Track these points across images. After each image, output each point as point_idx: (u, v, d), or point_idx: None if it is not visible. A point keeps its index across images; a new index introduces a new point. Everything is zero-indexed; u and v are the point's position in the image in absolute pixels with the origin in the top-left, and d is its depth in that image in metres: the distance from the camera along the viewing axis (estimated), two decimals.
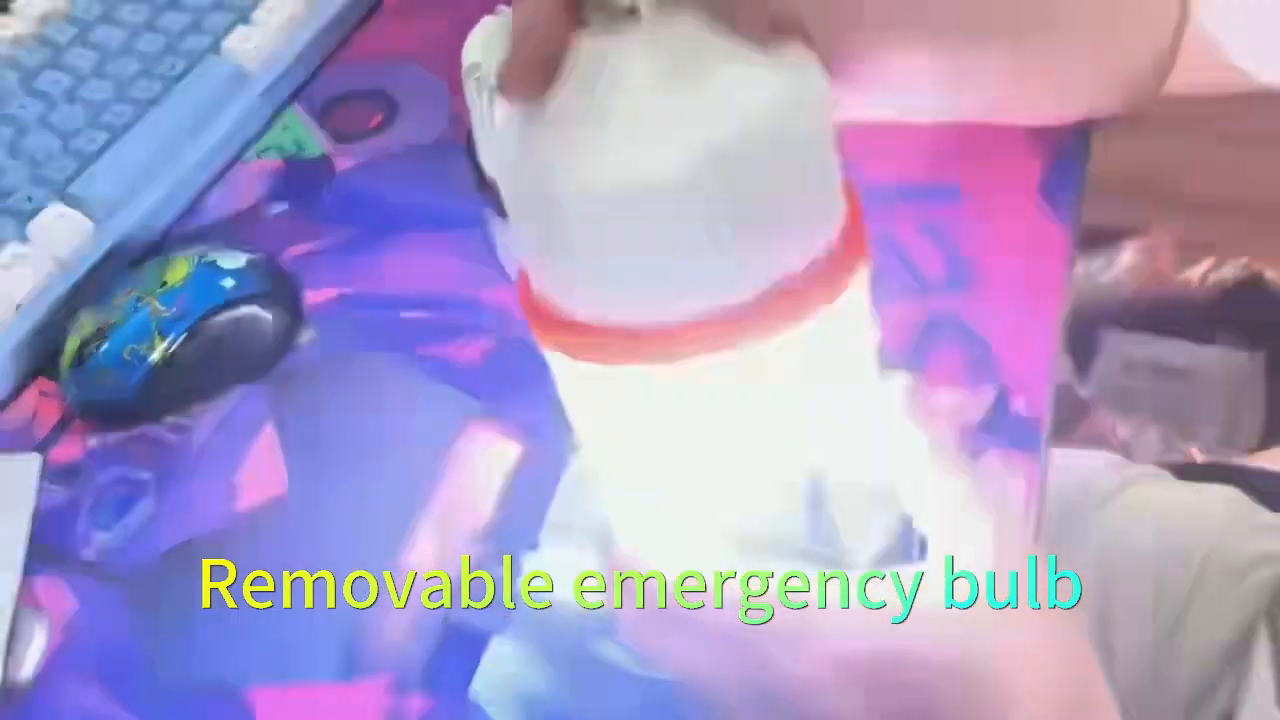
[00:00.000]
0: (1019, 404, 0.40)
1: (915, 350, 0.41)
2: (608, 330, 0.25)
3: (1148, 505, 0.59)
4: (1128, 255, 0.99)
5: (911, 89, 0.37)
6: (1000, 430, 0.39)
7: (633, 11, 0.25)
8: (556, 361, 0.27)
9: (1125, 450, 0.87)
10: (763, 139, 0.24)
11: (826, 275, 0.25)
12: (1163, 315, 0.98)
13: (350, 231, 0.47)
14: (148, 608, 0.36)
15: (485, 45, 0.38)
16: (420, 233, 0.47)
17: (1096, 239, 0.99)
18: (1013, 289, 0.43)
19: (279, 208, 0.48)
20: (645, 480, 0.29)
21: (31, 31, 0.51)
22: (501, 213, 0.40)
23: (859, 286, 0.27)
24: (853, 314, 0.27)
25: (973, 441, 0.38)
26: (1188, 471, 0.65)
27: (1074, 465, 0.62)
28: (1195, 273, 0.98)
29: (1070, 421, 0.88)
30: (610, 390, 0.27)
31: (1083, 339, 0.97)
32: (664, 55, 0.24)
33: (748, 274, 0.25)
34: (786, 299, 0.25)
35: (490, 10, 0.41)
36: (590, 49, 0.25)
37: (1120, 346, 0.97)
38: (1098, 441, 0.90)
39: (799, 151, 0.25)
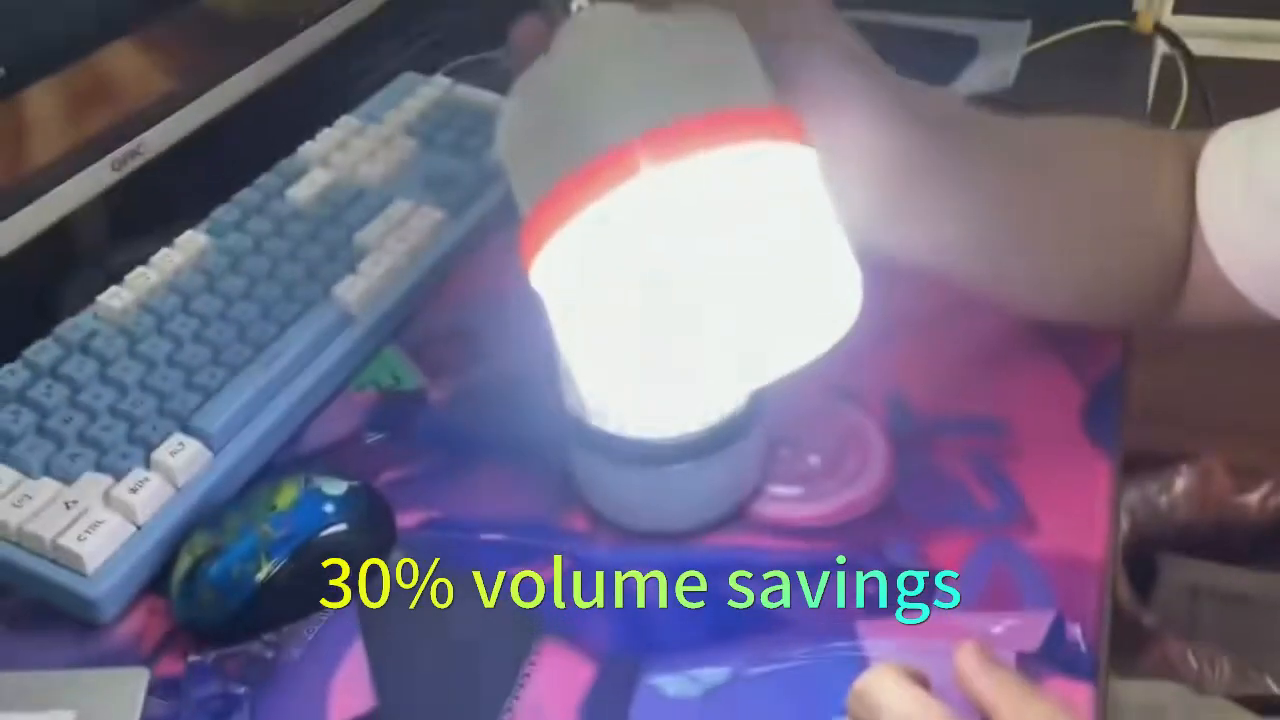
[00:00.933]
0: (1075, 631, 0.41)
1: (971, 577, 0.43)
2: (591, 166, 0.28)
3: None
4: (1183, 480, 1.00)
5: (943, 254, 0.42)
6: (1057, 658, 0.40)
7: None
8: (555, 288, 0.32)
9: (1197, 681, 0.85)
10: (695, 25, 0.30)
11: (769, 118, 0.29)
12: (1225, 540, 0.97)
13: (440, 459, 0.51)
14: None
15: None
16: (504, 460, 0.51)
17: (1150, 464, 1.01)
18: (1062, 518, 0.45)
19: (375, 436, 0.53)
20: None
21: (166, 281, 0.58)
22: (581, 442, 0.44)
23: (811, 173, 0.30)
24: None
25: (1031, 669, 0.40)
26: (1265, 705, 0.63)
27: (1139, 697, 0.61)
28: (1253, 497, 0.98)
29: (1135, 650, 0.87)
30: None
31: (1143, 564, 0.96)
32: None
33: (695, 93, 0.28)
34: (730, 119, 0.28)
35: None
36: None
37: (1182, 572, 0.96)
38: (1167, 671, 0.88)
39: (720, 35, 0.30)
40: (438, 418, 0.53)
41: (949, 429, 0.50)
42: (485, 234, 0.64)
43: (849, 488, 0.47)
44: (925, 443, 0.49)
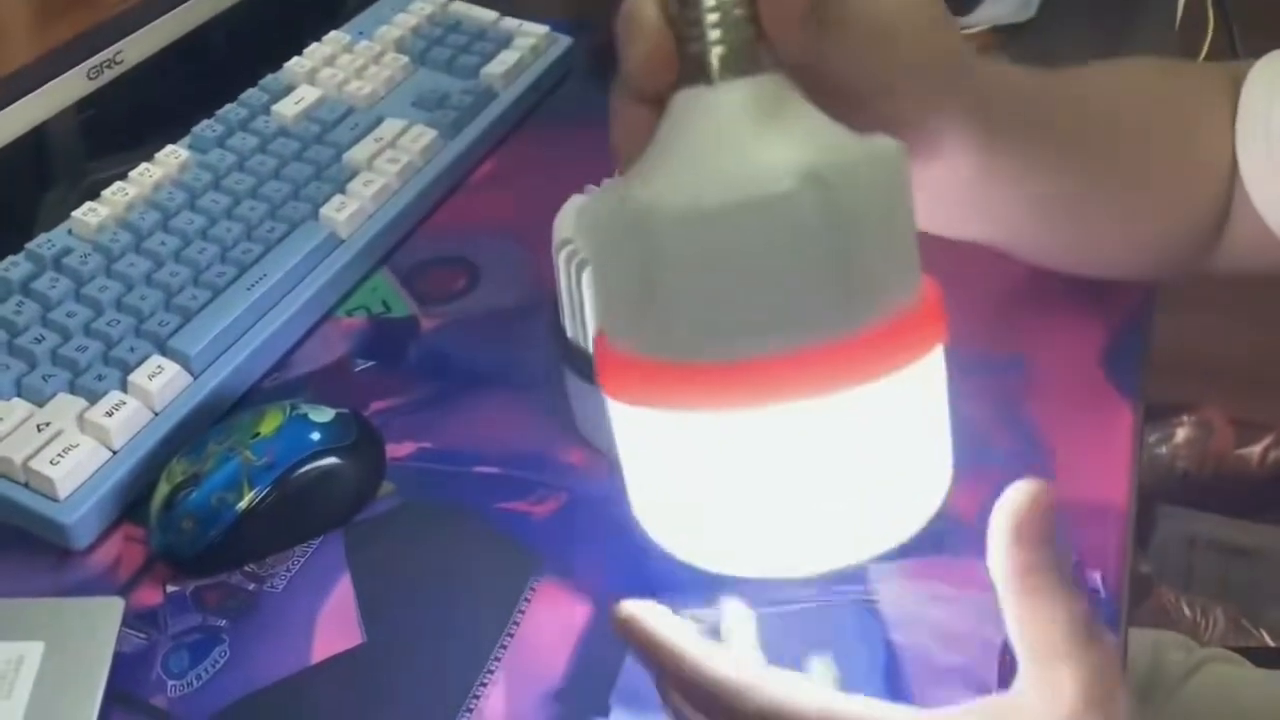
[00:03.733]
0: (1095, 578, 0.39)
1: (987, 521, 0.41)
2: (700, 370, 0.24)
3: (1225, 690, 0.57)
4: (1184, 431, 0.99)
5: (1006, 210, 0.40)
6: None
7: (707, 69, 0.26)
8: (628, 419, 0.27)
9: (1191, 630, 0.85)
10: (855, 174, 0.25)
11: (912, 331, 0.25)
12: (1224, 492, 0.96)
13: (432, 389, 0.49)
14: None
15: (576, 222, 0.41)
16: (498, 392, 0.49)
17: (1151, 414, 0.99)
18: (1083, 463, 0.43)
19: (364, 364, 0.50)
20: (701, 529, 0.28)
21: (145, 196, 0.55)
22: (582, 376, 0.42)
23: (938, 363, 0.27)
24: (934, 387, 0.27)
25: None
26: (1260, 656, 0.63)
27: (1144, 644, 0.60)
28: (1255, 450, 0.97)
29: (1133, 598, 0.86)
30: (680, 439, 0.26)
31: (1141, 514, 0.95)
32: (751, 106, 0.26)
33: (837, 307, 0.25)
34: (876, 343, 0.25)
35: (577, 188, 0.44)
36: (681, 105, 0.27)
37: (1180, 523, 0.95)
38: (1161, 621, 0.87)
39: (886, 196, 0.26)
40: (429, 346, 0.51)
41: (968, 368, 0.48)
42: (479, 156, 0.62)
43: None
44: None
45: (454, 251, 0.56)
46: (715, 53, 0.27)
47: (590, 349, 0.41)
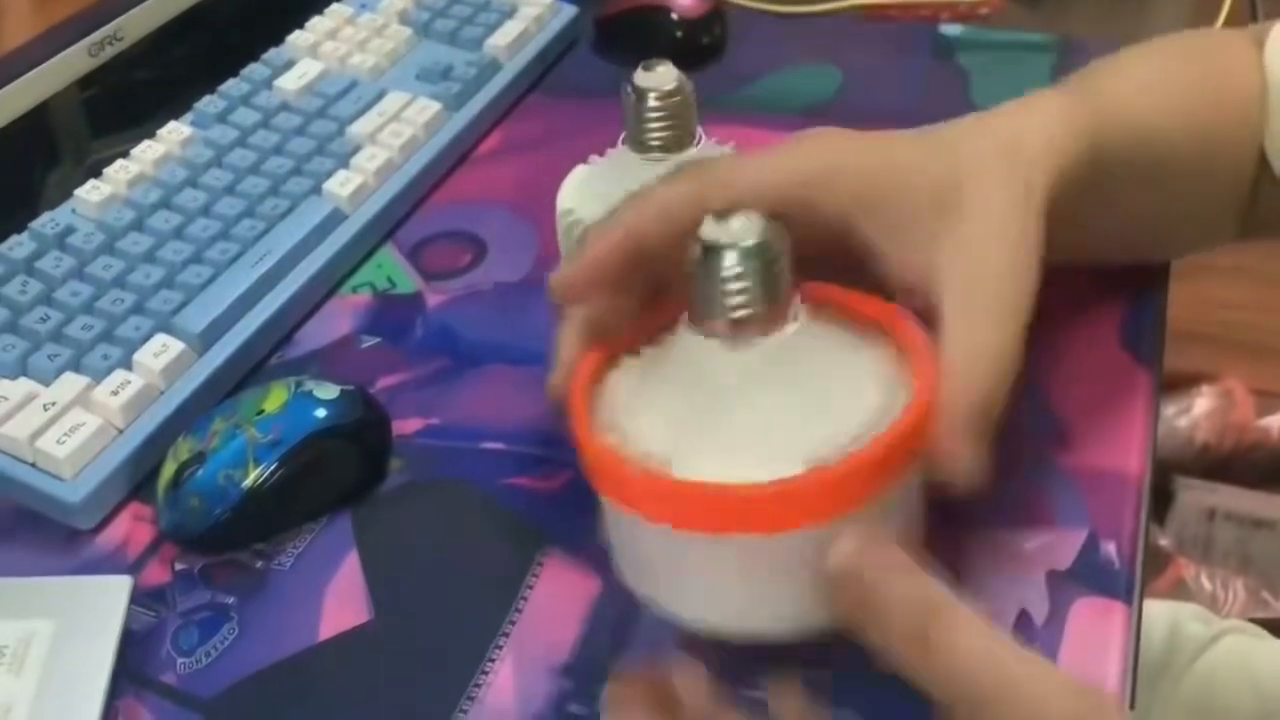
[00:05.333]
0: (1109, 549, 0.39)
1: (1000, 491, 0.41)
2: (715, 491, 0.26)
3: (1244, 661, 0.57)
4: (1203, 401, 0.98)
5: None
6: (1090, 577, 0.38)
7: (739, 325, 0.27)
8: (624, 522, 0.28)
9: (1211, 603, 0.84)
10: (859, 441, 0.26)
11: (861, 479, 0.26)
12: (1243, 464, 0.95)
13: (438, 365, 0.49)
14: None
15: (578, 192, 0.40)
16: (505, 367, 0.48)
17: (1171, 384, 0.98)
18: (1097, 431, 0.42)
19: (370, 340, 0.50)
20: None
21: (148, 173, 0.54)
22: None
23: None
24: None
25: (1064, 589, 0.37)
26: (1277, 629, 0.62)
27: (1162, 616, 0.60)
28: (1274, 421, 0.96)
29: (1151, 570, 0.85)
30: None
31: (1160, 486, 0.95)
32: (775, 365, 0.27)
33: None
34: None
35: (581, 159, 0.43)
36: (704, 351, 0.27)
37: (1199, 495, 0.95)
38: (1180, 593, 0.86)
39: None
40: (435, 322, 0.51)
41: None
42: (484, 129, 0.61)
43: None
44: None
45: (459, 226, 0.56)
46: (738, 315, 0.26)
47: None
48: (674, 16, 0.64)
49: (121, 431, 0.44)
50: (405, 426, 0.46)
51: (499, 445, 0.45)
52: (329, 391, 0.43)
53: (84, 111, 0.60)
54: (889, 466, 0.26)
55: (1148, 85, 0.40)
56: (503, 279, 0.52)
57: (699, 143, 0.38)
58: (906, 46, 0.66)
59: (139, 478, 0.44)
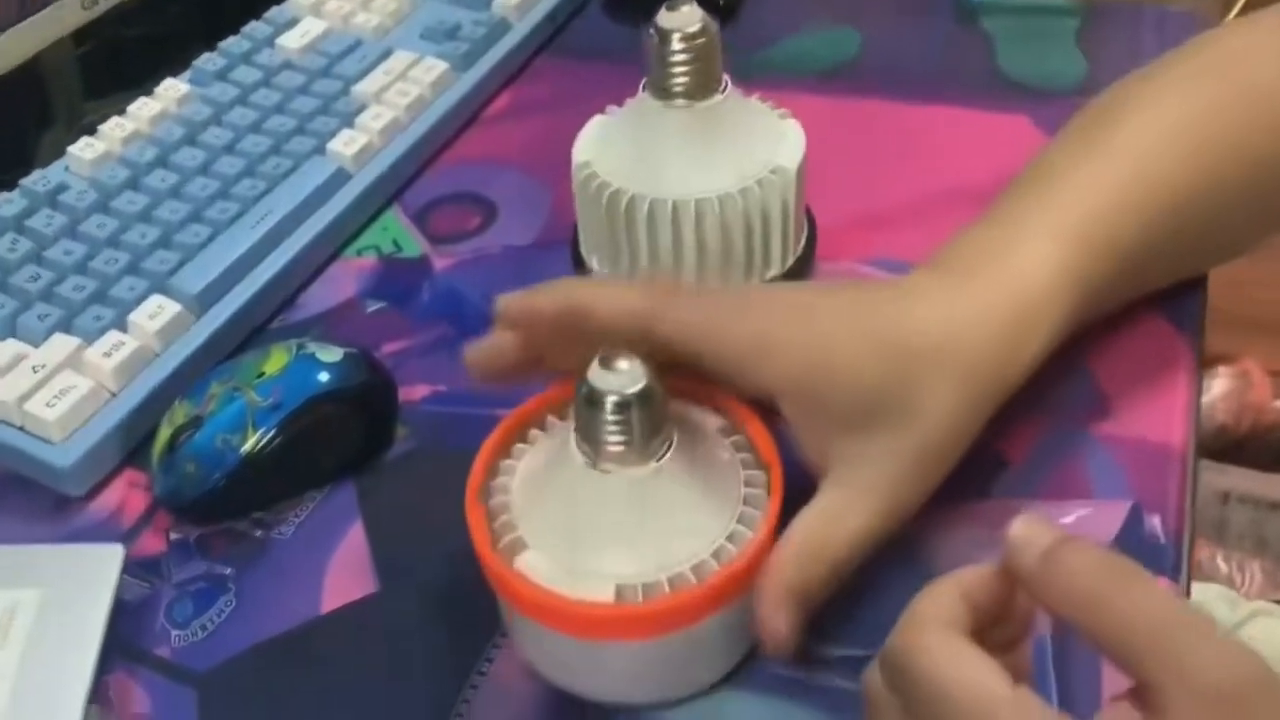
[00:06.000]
0: (1154, 523, 0.37)
1: (1039, 464, 0.39)
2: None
3: (1273, 643, 0.55)
4: (1219, 383, 0.96)
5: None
6: (1133, 552, 0.36)
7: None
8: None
9: (1227, 584, 0.82)
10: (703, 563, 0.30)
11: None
12: (1260, 445, 0.94)
13: (446, 329, 0.47)
14: (222, 712, 0.34)
15: (596, 143, 0.38)
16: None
17: None
18: (1140, 402, 0.40)
19: (375, 305, 0.48)
20: None
21: (144, 132, 0.52)
22: None
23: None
24: None
25: None
26: None
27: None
28: None
29: None
30: None
31: None
32: (643, 491, 0.30)
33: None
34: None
35: (599, 110, 0.41)
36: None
37: (1215, 477, 0.93)
38: (1196, 576, 0.85)
39: None
40: (443, 286, 0.49)
41: None
42: (493, 90, 0.59)
43: None
44: None
45: (467, 188, 0.53)
46: (613, 452, 0.30)
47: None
48: None
49: (114, 395, 0.42)
50: (412, 393, 0.44)
51: (507, 412, 0.43)
52: (332, 354, 0.41)
53: (77, 67, 0.58)
54: (727, 593, 0.30)
55: (1174, 132, 0.37)
56: (512, 242, 0.50)
57: (724, 90, 0.36)
58: (927, 9, 0.64)
59: (133, 443, 0.42)
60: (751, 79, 0.59)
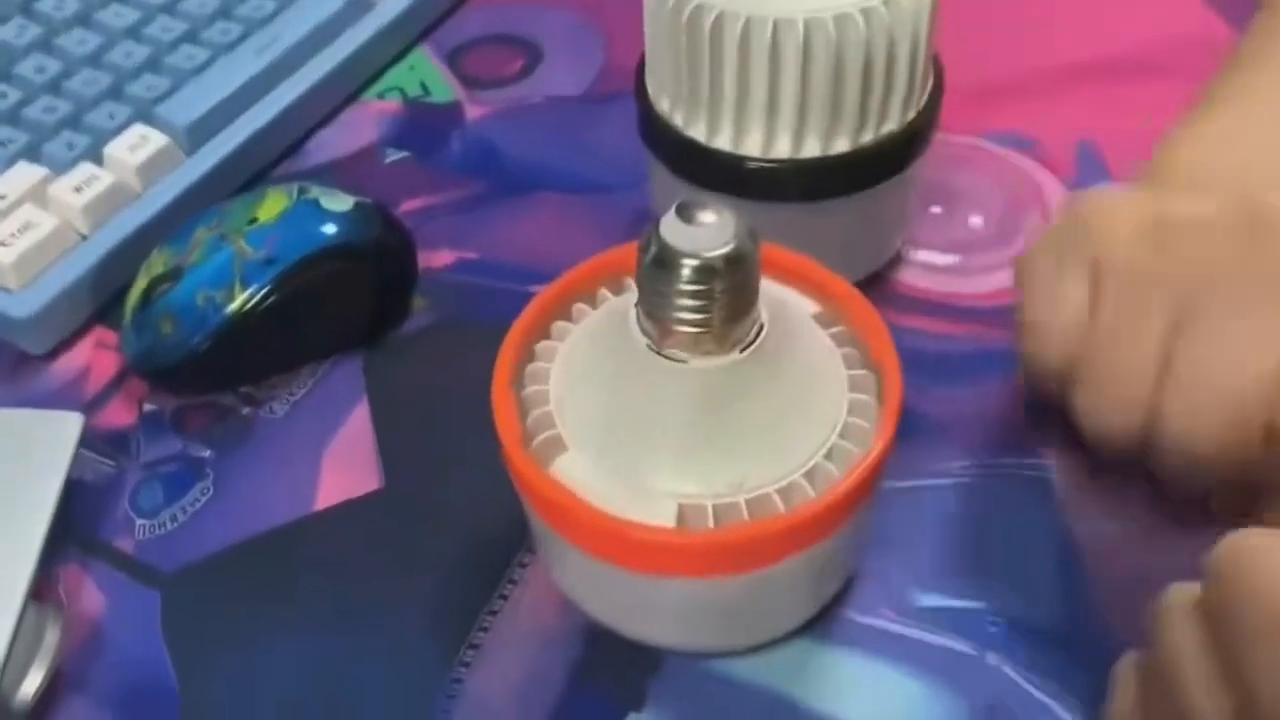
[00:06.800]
0: None
1: None
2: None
3: None
4: None
5: None
6: None
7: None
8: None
9: None
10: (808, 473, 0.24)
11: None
12: None
13: (477, 188, 0.39)
14: (188, 620, 0.29)
15: None
16: (558, 194, 0.39)
17: None
18: None
19: (397, 155, 0.41)
20: None
21: None
22: (672, 166, 0.32)
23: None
24: None
25: None
26: None
27: None
28: None
29: None
30: None
31: None
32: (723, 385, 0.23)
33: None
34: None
35: None
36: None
37: None
38: None
39: None
40: (476, 138, 0.41)
41: None
42: None
43: None
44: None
45: (510, 26, 0.46)
46: (687, 332, 0.23)
47: (687, 129, 0.31)
48: None
49: (85, 238, 0.36)
50: (434, 259, 0.37)
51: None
52: (340, 202, 0.34)
53: None
54: (821, 526, 0.23)
55: None
56: (558, 92, 0.43)
57: None
58: None
59: (105, 296, 0.36)
60: None
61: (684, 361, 0.23)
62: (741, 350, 0.23)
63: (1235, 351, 0.23)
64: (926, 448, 0.31)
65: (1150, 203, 0.25)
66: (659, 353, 0.23)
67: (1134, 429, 0.25)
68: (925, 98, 0.31)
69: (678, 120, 0.31)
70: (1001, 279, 0.35)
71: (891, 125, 0.30)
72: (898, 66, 0.29)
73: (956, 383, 0.32)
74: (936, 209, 0.37)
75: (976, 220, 0.37)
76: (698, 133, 0.31)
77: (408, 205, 0.39)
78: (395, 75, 0.44)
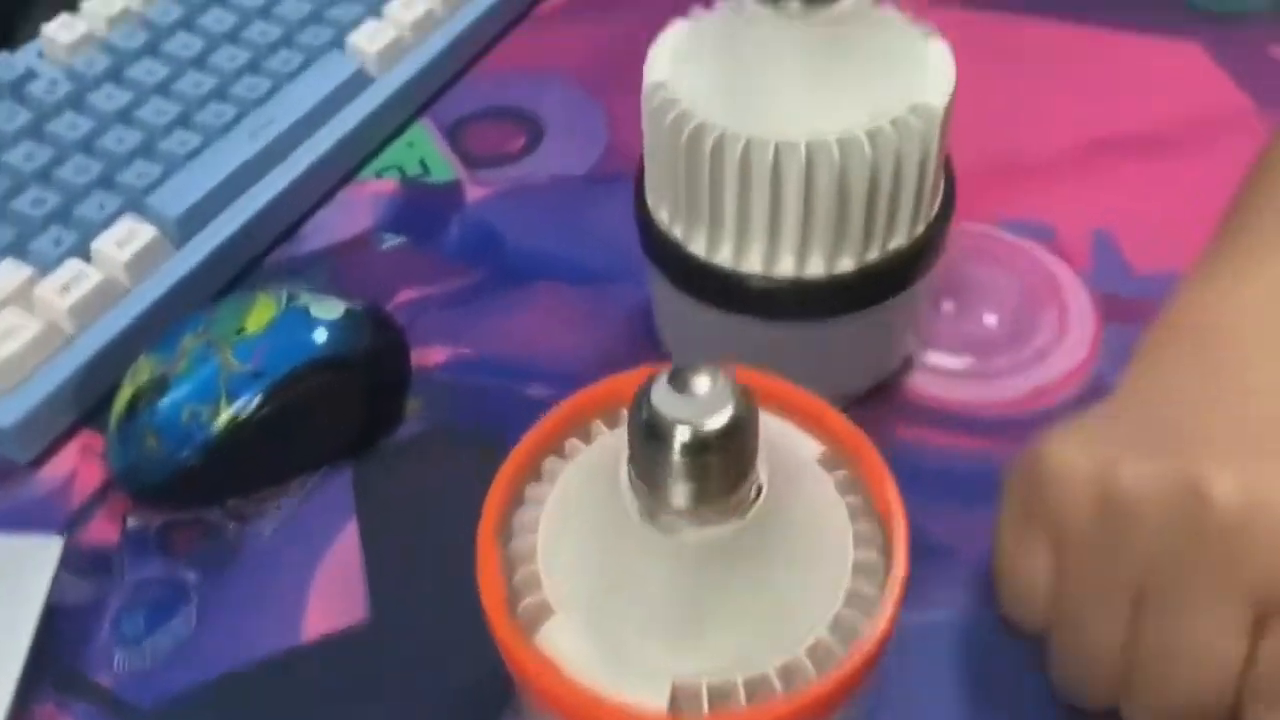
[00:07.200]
0: None
1: None
2: None
3: None
4: None
5: None
6: None
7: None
8: None
9: None
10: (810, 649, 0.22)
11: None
12: None
13: (475, 276, 0.38)
14: None
15: (676, 57, 0.29)
16: (560, 284, 0.38)
17: None
18: None
19: (394, 240, 0.40)
20: None
21: (134, 10, 0.44)
22: (672, 279, 0.31)
23: None
24: None
25: None
26: None
27: None
28: None
29: None
30: None
31: None
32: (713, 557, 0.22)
33: None
34: None
35: (681, 12, 0.32)
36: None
37: None
38: None
39: None
40: (475, 222, 0.40)
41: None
42: None
43: (1038, 364, 0.34)
44: (1147, 303, 0.36)
45: (513, 101, 0.45)
46: (680, 507, 0.21)
47: (687, 243, 0.30)
48: None
49: (72, 339, 0.35)
50: (428, 356, 0.36)
51: (545, 390, 0.35)
52: (330, 309, 0.33)
53: None
54: (823, 709, 0.22)
55: None
56: (562, 171, 0.42)
57: None
58: None
59: (91, 400, 0.35)
60: None
61: (678, 533, 0.22)
62: (740, 518, 0.22)
63: (1196, 641, 0.23)
64: (933, 572, 0.30)
65: (1103, 466, 0.24)
66: (652, 521, 0.22)
67: (1103, 699, 0.25)
68: (936, 208, 0.30)
69: (677, 233, 0.30)
70: (1017, 386, 0.34)
71: (900, 241, 0.29)
72: (905, 185, 0.27)
73: (966, 501, 0.31)
74: (949, 305, 0.36)
75: (991, 319, 0.35)
76: (698, 248, 0.29)
77: (403, 296, 0.38)
78: (394, 152, 0.43)
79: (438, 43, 0.45)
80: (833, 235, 0.28)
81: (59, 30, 0.43)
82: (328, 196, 0.41)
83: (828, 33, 0.26)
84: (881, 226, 0.28)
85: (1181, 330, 0.26)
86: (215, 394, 0.31)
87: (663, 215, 0.30)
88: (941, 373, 0.34)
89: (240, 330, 0.32)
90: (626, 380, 0.24)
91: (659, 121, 0.28)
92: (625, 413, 0.26)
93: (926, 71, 0.27)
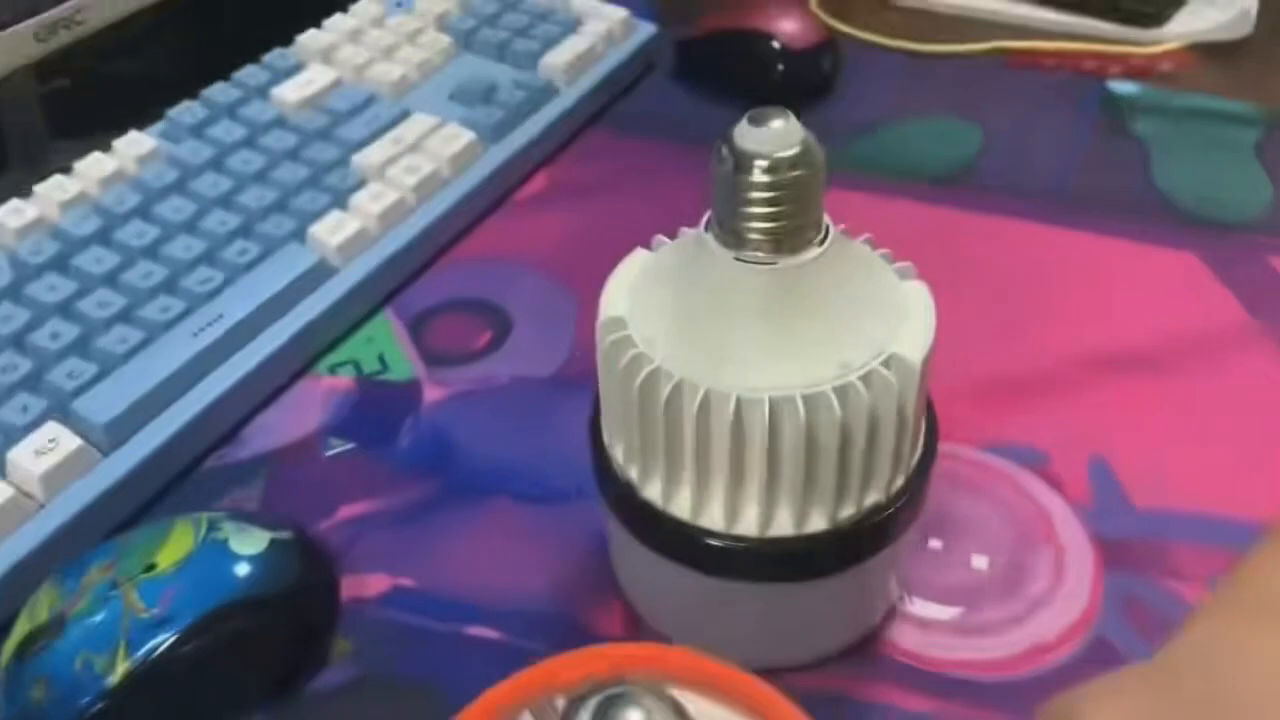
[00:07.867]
0: None
1: None
2: None
3: None
4: None
5: None
6: None
7: None
8: None
9: None
10: None
11: None
12: None
13: (425, 490, 0.36)
14: None
15: (634, 293, 0.27)
16: (514, 501, 0.35)
17: None
18: None
19: (341, 447, 0.37)
20: None
21: (91, 194, 0.42)
22: (628, 526, 0.28)
23: None
24: None
25: None
26: None
27: None
28: None
29: None
30: None
31: None
32: None
33: None
34: None
35: (651, 219, 0.30)
36: None
37: None
38: None
39: None
40: (430, 427, 0.38)
41: (1184, 529, 0.33)
42: (527, 170, 0.48)
43: (1033, 615, 0.31)
44: (1150, 545, 0.33)
45: (480, 293, 0.43)
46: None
47: (642, 488, 0.27)
48: (775, 46, 0.51)
49: None
50: (365, 586, 0.33)
51: (490, 631, 0.31)
52: (253, 542, 0.30)
53: (22, 111, 0.48)
54: None
55: None
56: (525, 372, 0.39)
57: (825, 240, 0.24)
58: (1066, 104, 0.52)
59: None
60: (844, 176, 0.48)
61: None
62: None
63: None
64: None
65: None
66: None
67: None
68: (916, 458, 0.27)
69: (632, 474, 0.27)
70: (1008, 643, 0.30)
71: (877, 496, 0.26)
72: (881, 442, 0.25)
73: None
74: (936, 543, 0.33)
75: (980, 561, 0.32)
76: (653, 494, 0.27)
77: (344, 513, 0.35)
78: (352, 346, 0.41)
79: (406, 233, 0.43)
80: (800, 493, 0.25)
81: (8, 215, 0.41)
82: (279, 391, 0.39)
83: (796, 279, 0.24)
84: (856, 483, 0.25)
85: (1244, 605, 0.23)
86: (114, 641, 0.28)
87: (618, 453, 0.27)
88: (926, 625, 0.31)
89: (151, 566, 0.29)
90: (551, 666, 0.21)
91: (613, 362, 0.26)
92: (559, 698, 0.22)
93: (903, 318, 0.25)
